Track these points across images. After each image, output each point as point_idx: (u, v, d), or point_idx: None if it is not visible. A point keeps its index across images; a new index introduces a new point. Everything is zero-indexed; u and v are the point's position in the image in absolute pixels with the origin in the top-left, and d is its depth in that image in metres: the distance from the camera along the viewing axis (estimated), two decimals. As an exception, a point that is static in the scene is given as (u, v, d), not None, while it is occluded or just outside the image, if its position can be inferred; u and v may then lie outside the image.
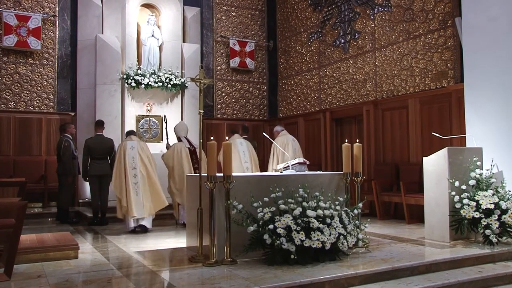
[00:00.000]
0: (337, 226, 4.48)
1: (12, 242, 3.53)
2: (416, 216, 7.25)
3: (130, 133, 7.36)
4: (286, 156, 7.60)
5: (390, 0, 8.55)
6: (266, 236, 4.29)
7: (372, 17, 8.95)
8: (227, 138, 4.82)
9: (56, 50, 9.94)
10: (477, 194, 5.38)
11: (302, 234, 4.27)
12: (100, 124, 8.04)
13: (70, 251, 4.85)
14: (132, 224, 6.65)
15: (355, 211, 5.02)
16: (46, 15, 9.78)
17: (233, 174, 4.61)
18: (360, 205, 5.20)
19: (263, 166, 8.91)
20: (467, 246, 5.24)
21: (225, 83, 11.56)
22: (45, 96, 9.80)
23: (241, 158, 7.91)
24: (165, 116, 8.62)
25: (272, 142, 7.86)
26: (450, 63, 7.44)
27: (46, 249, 4.76)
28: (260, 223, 4.41)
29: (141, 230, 6.62)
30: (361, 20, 9.23)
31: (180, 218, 7.30)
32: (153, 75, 9.66)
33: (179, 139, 7.66)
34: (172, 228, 7.20)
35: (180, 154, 7.34)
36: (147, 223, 6.73)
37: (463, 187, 5.49)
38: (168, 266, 4.61)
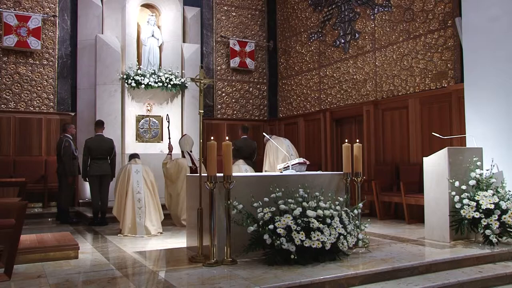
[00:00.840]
0: (337, 226, 4.48)
1: (12, 242, 3.53)
2: (416, 216, 7.25)
3: (133, 156, 7.19)
4: (281, 157, 7.62)
5: (390, 0, 8.55)
6: (266, 236, 4.29)
7: (372, 17, 8.95)
8: (227, 138, 4.81)
9: (56, 50, 9.94)
10: (477, 194, 5.38)
11: (302, 234, 4.27)
12: (100, 124, 8.04)
13: (70, 251, 4.85)
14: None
15: (355, 211, 5.02)
16: (46, 15, 9.78)
17: (233, 174, 4.61)
18: (360, 205, 5.20)
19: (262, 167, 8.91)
20: (467, 246, 5.24)
21: (225, 83, 11.56)
22: (45, 96, 9.80)
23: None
24: (167, 115, 8.61)
25: (267, 144, 7.92)
26: (450, 63, 7.44)
27: (46, 249, 4.76)
28: (260, 223, 4.41)
29: None
30: (361, 20, 9.23)
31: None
32: (153, 75, 9.66)
33: (182, 154, 7.68)
34: (172, 228, 7.20)
35: (181, 171, 7.36)
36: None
37: (463, 187, 5.49)
38: (168, 266, 4.61)
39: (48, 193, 9.17)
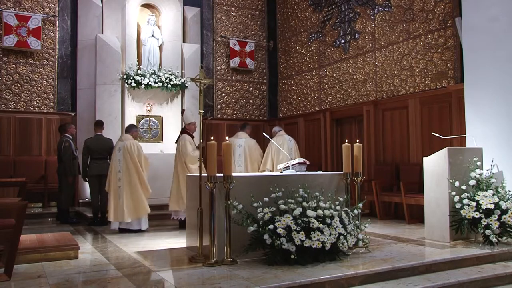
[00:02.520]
0: (337, 226, 4.48)
1: (12, 242, 3.54)
2: (416, 216, 7.25)
3: (126, 129, 7.23)
4: (281, 157, 7.58)
5: (390, 0, 8.55)
6: (266, 236, 4.29)
7: (372, 17, 8.95)
8: (227, 138, 4.81)
9: (56, 50, 9.94)
10: (477, 194, 5.38)
11: (302, 234, 4.27)
12: (99, 124, 8.05)
13: (70, 251, 4.85)
14: (113, 226, 6.69)
15: (355, 211, 5.02)
16: (46, 15, 9.78)
17: (234, 174, 4.61)
18: (360, 205, 5.20)
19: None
20: (467, 246, 5.24)
21: (225, 83, 11.56)
22: (45, 96, 9.80)
23: (235, 161, 7.88)
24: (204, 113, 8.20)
25: (269, 142, 7.84)
26: (450, 63, 7.44)
27: (46, 249, 4.76)
28: (260, 223, 4.41)
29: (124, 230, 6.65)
30: (361, 20, 9.23)
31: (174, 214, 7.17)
32: (153, 75, 9.67)
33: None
34: (172, 228, 7.19)
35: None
36: (133, 225, 6.68)
37: (463, 187, 5.49)
38: (168, 266, 4.61)
39: (48, 193, 9.17)
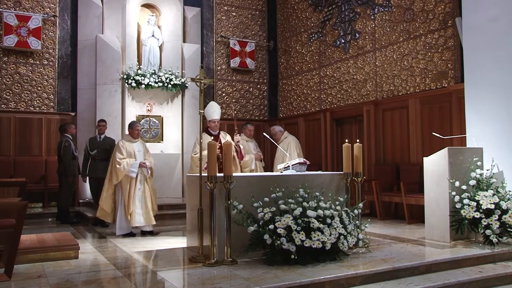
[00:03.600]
0: (337, 226, 4.48)
1: (12, 242, 3.54)
2: (417, 216, 7.25)
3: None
4: (294, 156, 7.56)
5: (391, 0, 8.54)
6: (266, 236, 4.29)
7: (372, 17, 8.95)
8: (227, 138, 4.80)
9: (57, 50, 9.94)
10: (478, 194, 5.38)
11: (302, 234, 4.27)
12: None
13: (70, 251, 4.85)
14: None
15: (356, 211, 5.01)
16: (46, 15, 9.78)
17: (233, 174, 4.61)
18: (361, 205, 5.20)
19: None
20: (468, 246, 5.23)
21: (226, 83, 11.55)
22: (46, 96, 9.80)
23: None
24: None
25: (278, 146, 7.73)
26: (451, 63, 7.43)
27: (46, 249, 4.76)
28: (260, 223, 4.41)
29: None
30: (361, 20, 9.22)
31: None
32: (153, 75, 9.67)
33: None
34: (172, 228, 7.19)
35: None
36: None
37: (464, 187, 5.49)
38: (168, 266, 4.60)
39: (48, 193, 9.16)
